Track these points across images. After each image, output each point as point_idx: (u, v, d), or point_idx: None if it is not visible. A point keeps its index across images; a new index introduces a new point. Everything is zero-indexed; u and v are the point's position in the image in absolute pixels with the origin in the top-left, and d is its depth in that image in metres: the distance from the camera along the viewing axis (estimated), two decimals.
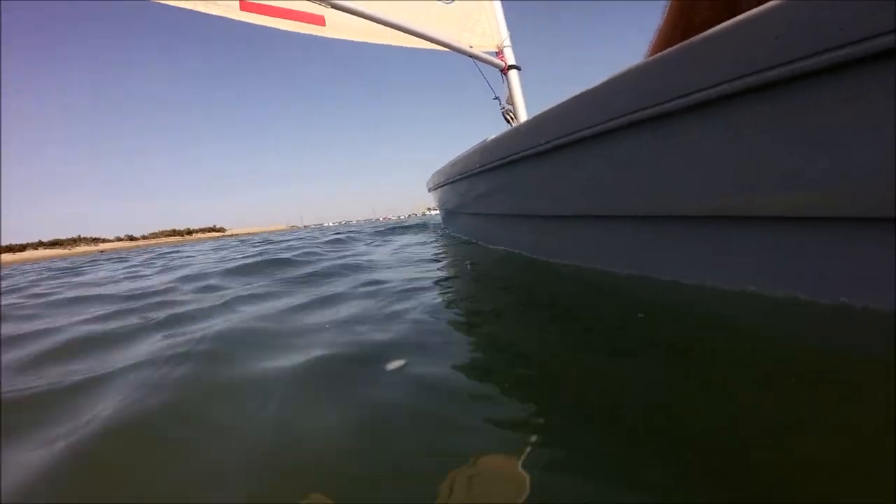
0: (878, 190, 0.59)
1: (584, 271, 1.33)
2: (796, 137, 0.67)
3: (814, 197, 0.68)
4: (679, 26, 0.86)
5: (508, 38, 2.80)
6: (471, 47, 2.65)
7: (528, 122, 1.38)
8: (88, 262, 8.38)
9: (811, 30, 0.59)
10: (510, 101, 2.62)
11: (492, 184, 1.90)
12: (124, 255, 9.96)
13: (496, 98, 2.67)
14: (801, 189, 0.69)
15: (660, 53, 0.83)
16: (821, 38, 0.58)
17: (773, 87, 0.66)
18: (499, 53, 2.78)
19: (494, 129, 2.74)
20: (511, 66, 2.67)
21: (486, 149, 1.77)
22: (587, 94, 1.05)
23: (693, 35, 0.75)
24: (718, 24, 0.71)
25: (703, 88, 0.75)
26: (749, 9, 0.66)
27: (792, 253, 0.75)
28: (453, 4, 2.97)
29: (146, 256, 7.10)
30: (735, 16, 0.68)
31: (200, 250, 7.27)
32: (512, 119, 2.57)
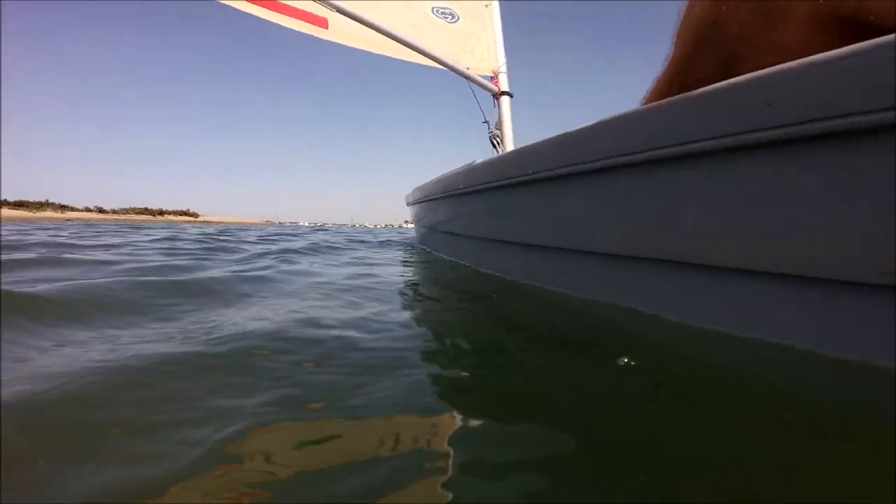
0: (851, 256, 0.64)
1: (555, 295, 1.38)
2: (774, 197, 0.71)
3: (779, 254, 0.73)
4: (676, 80, 0.90)
5: (504, 65, 2.90)
6: (468, 69, 2.73)
7: (517, 151, 1.41)
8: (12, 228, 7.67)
9: (800, 100, 0.64)
10: (499, 126, 2.70)
11: (475, 206, 1.92)
12: (55, 226, 9.15)
13: (485, 122, 2.76)
14: (770, 245, 0.73)
15: (656, 102, 0.86)
16: (807, 108, 0.63)
17: (761, 147, 0.71)
18: (493, 78, 2.87)
19: (481, 153, 2.82)
20: (504, 93, 2.77)
21: (472, 171, 1.80)
22: (580, 131, 1.08)
23: (689, 90, 0.79)
24: (714, 82, 0.74)
25: (694, 140, 0.79)
26: (746, 71, 0.70)
27: (749, 302, 0.79)
28: (456, 25, 3.07)
29: (70, 231, 6.64)
30: (732, 76, 0.72)
31: (140, 231, 6.87)
32: (498, 144, 2.65)
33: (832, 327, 0.70)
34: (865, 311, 0.65)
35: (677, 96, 0.82)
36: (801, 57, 0.63)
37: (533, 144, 1.31)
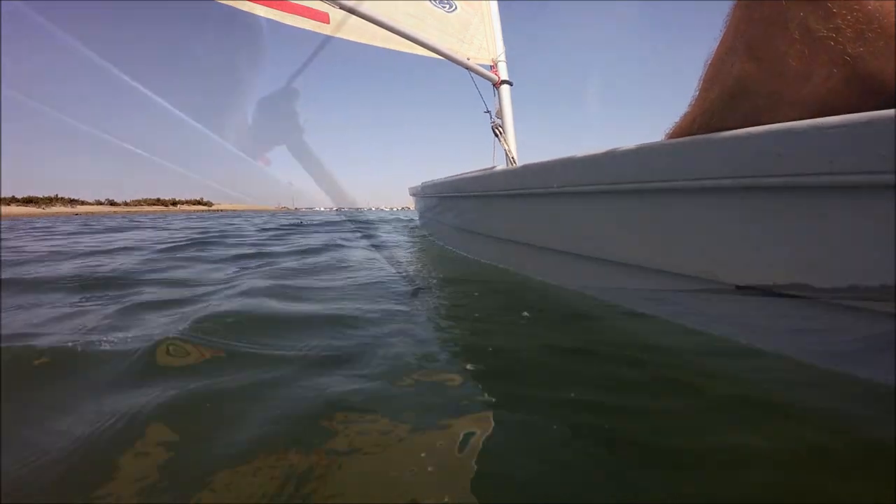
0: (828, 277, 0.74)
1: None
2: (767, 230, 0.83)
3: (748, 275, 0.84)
4: (698, 121, 0.94)
5: (503, 54, 2.94)
6: (468, 59, 2.78)
7: (545, 164, 1.45)
8: None
9: (805, 155, 0.72)
10: (500, 114, 2.76)
11: (507, 209, 1.86)
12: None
13: (487, 111, 2.81)
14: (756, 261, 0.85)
15: (679, 139, 0.94)
16: (810, 163, 0.72)
17: (767, 189, 0.80)
18: (493, 67, 2.91)
19: (486, 141, 2.87)
20: (504, 81, 2.81)
21: (492, 177, 1.84)
22: (607, 154, 1.15)
23: (709, 131, 0.87)
24: (734, 127, 0.82)
25: (713, 177, 0.88)
26: (766, 122, 0.77)
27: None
28: (454, 14, 3.09)
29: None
30: (751, 125, 0.79)
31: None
32: (500, 133, 2.71)
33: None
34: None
35: (698, 136, 0.89)
36: (819, 113, 0.70)
37: (565, 159, 1.35)
